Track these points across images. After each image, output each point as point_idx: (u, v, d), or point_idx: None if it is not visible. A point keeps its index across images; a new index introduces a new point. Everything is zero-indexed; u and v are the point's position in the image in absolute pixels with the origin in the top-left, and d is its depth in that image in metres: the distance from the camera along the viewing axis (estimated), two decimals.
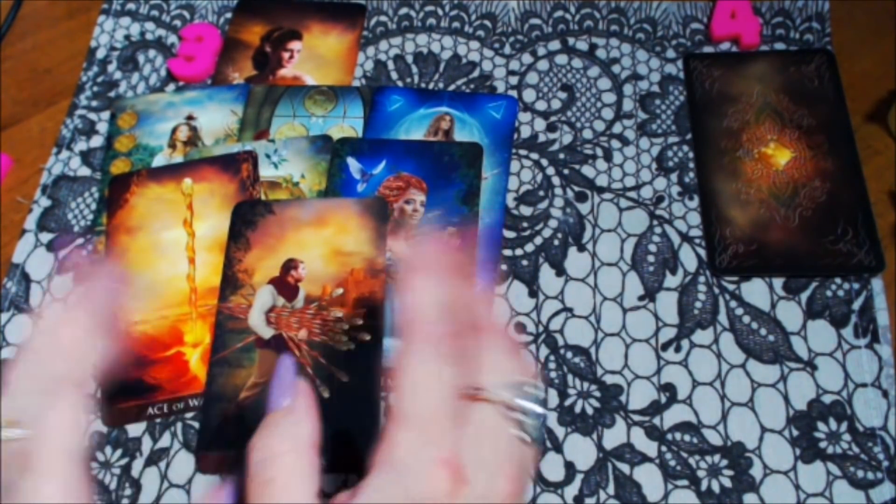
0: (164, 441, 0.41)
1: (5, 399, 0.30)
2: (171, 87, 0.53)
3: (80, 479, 0.29)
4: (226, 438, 0.39)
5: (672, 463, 0.39)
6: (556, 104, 0.50)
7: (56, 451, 0.29)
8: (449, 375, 0.27)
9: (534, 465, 0.31)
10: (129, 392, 0.41)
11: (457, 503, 0.25)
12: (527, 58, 0.52)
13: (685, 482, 0.38)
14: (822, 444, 0.39)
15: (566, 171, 0.48)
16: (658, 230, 0.45)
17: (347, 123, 0.50)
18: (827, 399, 0.40)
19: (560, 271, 0.44)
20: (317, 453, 0.28)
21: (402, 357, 0.28)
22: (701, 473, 0.38)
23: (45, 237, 0.48)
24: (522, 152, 0.48)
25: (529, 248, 0.45)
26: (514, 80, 0.51)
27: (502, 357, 0.29)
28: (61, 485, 0.28)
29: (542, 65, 0.52)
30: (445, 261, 0.29)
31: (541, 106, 0.50)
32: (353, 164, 0.47)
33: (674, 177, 0.47)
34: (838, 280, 0.43)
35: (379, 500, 0.25)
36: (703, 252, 0.44)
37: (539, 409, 0.28)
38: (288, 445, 0.27)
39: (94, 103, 0.53)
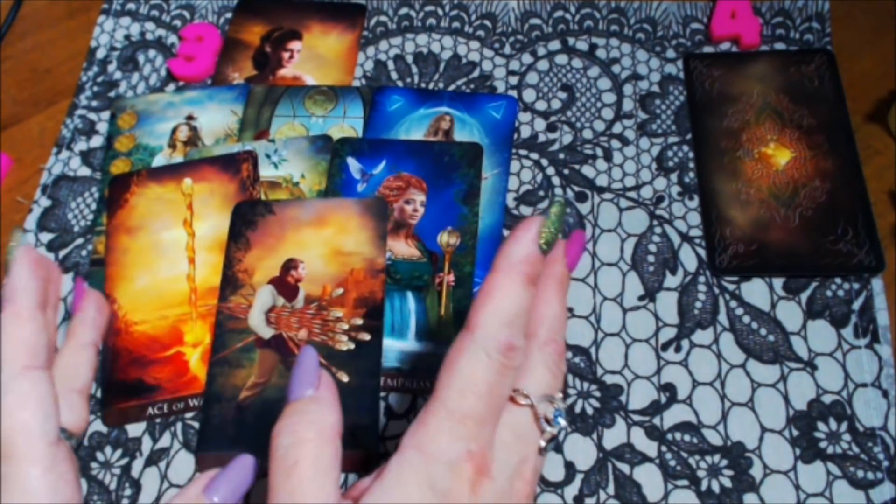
0: (164, 441, 0.41)
1: None
2: (171, 87, 0.53)
3: (60, 458, 0.29)
4: (226, 438, 0.39)
5: (672, 463, 0.39)
6: (556, 104, 0.50)
7: (22, 437, 0.29)
8: (505, 384, 0.28)
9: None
10: (129, 392, 0.41)
11: (475, 496, 0.26)
12: (527, 58, 0.52)
13: (685, 482, 0.38)
14: (822, 444, 0.39)
15: (566, 171, 0.48)
16: (658, 230, 0.45)
17: (347, 123, 0.50)
18: (827, 399, 0.40)
19: None
20: (340, 443, 0.28)
21: (460, 351, 0.27)
22: (701, 473, 0.38)
23: (45, 237, 0.48)
24: (522, 152, 0.48)
25: None
26: (514, 80, 0.51)
27: (549, 368, 0.29)
28: (39, 466, 0.28)
29: (542, 65, 0.52)
30: (535, 268, 0.29)
31: (541, 106, 0.50)
32: (353, 164, 0.47)
33: (674, 177, 0.47)
34: (838, 280, 0.43)
35: (402, 481, 0.26)
36: (703, 252, 0.44)
37: (564, 424, 0.29)
38: (314, 432, 0.27)
39: (94, 103, 0.53)
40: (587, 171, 0.48)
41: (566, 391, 0.41)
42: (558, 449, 0.39)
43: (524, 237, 0.29)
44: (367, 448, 0.39)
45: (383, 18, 0.55)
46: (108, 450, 0.41)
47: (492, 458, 0.27)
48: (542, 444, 0.29)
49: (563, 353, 0.30)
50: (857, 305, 0.42)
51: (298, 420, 0.28)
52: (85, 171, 0.50)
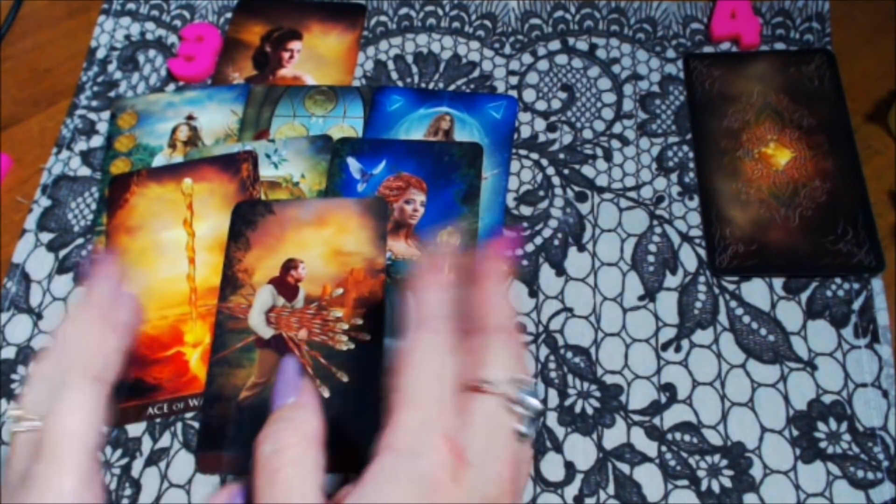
0: (164, 441, 0.41)
1: (26, 391, 0.31)
2: (171, 87, 0.53)
3: (93, 470, 0.29)
4: (226, 438, 0.39)
5: (672, 463, 0.39)
6: (556, 104, 0.50)
7: (66, 441, 0.29)
8: (454, 366, 0.28)
9: (530, 464, 0.31)
10: (129, 392, 0.41)
11: (456, 482, 0.26)
12: (527, 58, 0.52)
13: (685, 482, 0.38)
14: (822, 444, 0.39)
15: (566, 171, 0.48)
16: (658, 230, 0.45)
17: (347, 123, 0.50)
18: (827, 399, 0.40)
19: (560, 271, 0.44)
20: (322, 448, 0.28)
21: (410, 347, 0.28)
22: (701, 473, 0.38)
23: (45, 237, 0.48)
24: (522, 152, 0.48)
25: (529, 248, 0.45)
26: (514, 80, 0.51)
27: (507, 353, 0.30)
28: (74, 476, 0.28)
29: (542, 65, 0.52)
30: (457, 262, 0.30)
31: (541, 106, 0.50)
32: (353, 164, 0.47)
33: (674, 177, 0.47)
34: (838, 280, 0.43)
35: (379, 480, 0.26)
36: (703, 252, 0.44)
37: (538, 405, 0.29)
38: (295, 438, 0.28)
39: (94, 103, 0.53)
40: (587, 171, 0.48)
41: (555, 385, 0.41)
42: (558, 449, 0.39)
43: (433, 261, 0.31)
44: (365, 448, 0.39)
45: (383, 18, 0.55)
46: (108, 450, 0.41)
47: (467, 447, 0.27)
48: (518, 427, 0.29)
49: (516, 337, 0.31)
50: (857, 305, 0.42)
51: (281, 427, 0.28)
52: (85, 171, 0.50)
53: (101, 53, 0.55)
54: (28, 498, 0.27)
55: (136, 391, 0.41)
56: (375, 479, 0.26)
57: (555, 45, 0.53)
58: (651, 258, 0.44)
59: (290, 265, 0.43)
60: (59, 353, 0.32)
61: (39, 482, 0.28)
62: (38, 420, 0.30)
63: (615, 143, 0.48)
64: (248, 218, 0.45)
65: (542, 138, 0.49)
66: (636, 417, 0.40)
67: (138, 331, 0.32)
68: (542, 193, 0.47)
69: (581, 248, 0.45)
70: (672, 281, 0.44)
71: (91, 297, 0.34)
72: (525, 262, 0.45)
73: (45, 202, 0.49)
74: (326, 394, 0.40)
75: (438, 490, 0.26)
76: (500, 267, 0.32)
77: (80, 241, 0.47)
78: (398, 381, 0.28)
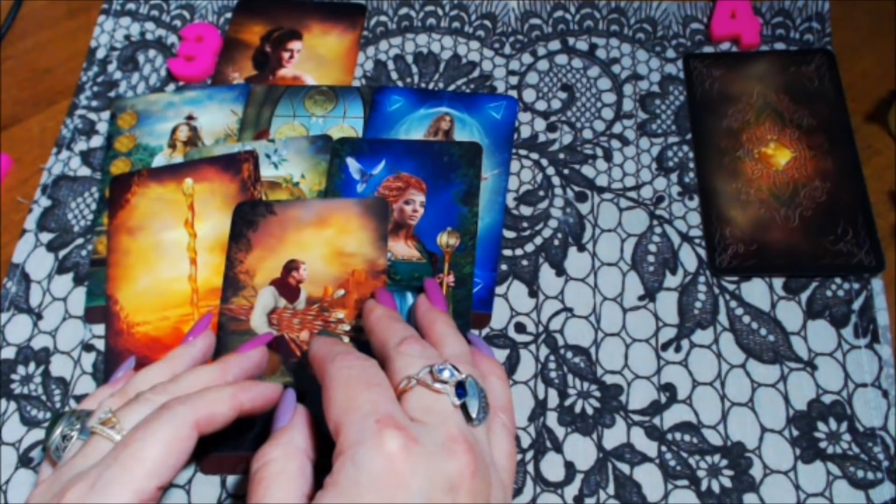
0: None
1: (132, 409, 0.33)
2: (171, 87, 0.53)
3: (152, 498, 0.31)
4: (226, 439, 0.39)
5: (672, 463, 0.39)
6: (556, 104, 0.50)
7: (143, 463, 0.30)
8: (376, 372, 0.32)
9: (508, 455, 0.34)
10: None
11: (408, 455, 0.28)
12: (527, 58, 0.52)
13: (685, 482, 0.38)
14: (822, 444, 0.39)
15: (566, 171, 0.48)
16: (658, 230, 0.45)
17: (347, 123, 0.50)
18: (827, 399, 0.40)
19: (560, 271, 0.44)
20: (308, 460, 0.32)
21: (329, 377, 0.32)
22: (701, 473, 0.39)
23: (45, 237, 0.48)
24: (522, 152, 0.48)
25: (529, 248, 0.45)
26: (514, 80, 0.51)
27: (410, 356, 0.33)
28: (133, 493, 0.30)
29: (542, 65, 0.52)
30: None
31: (541, 106, 0.50)
32: (353, 165, 0.47)
33: (674, 177, 0.47)
34: (838, 280, 0.43)
35: (337, 479, 0.28)
36: (703, 252, 0.44)
37: (456, 373, 0.32)
38: (280, 452, 0.31)
39: (94, 103, 0.53)
40: (587, 171, 0.48)
41: (555, 385, 0.41)
42: (558, 449, 0.39)
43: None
44: None
45: (383, 18, 0.55)
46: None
47: (413, 430, 0.29)
48: (454, 401, 0.31)
49: (414, 342, 0.34)
50: (857, 305, 0.42)
51: (269, 445, 0.32)
52: (85, 171, 0.50)
53: (101, 53, 0.55)
54: (87, 497, 0.29)
55: None
56: (332, 480, 0.29)
57: (555, 45, 0.53)
58: (651, 258, 0.44)
59: (291, 266, 0.43)
60: (178, 389, 0.34)
61: (102, 487, 0.30)
62: (119, 434, 0.32)
63: (615, 143, 0.48)
64: (248, 219, 0.45)
65: (542, 138, 0.49)
66: (636, 417, 0.40)
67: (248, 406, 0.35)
68: (542, 193, 0.47)
69: (581, 248, 0.45)
70: (672, 281, 0.44)
71: (231, 362, 0.38)
72: (525, 262, 0.45)
73: (45, 202, 0.49)
74: None
75: (394, 466, 0.28)
76: (383, 311, 0.38)
77: (80, 241, 0.47)
78: (329, 408, 0.31)
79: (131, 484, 0.30)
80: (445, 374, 0.32)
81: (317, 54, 0.54)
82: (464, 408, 0.31)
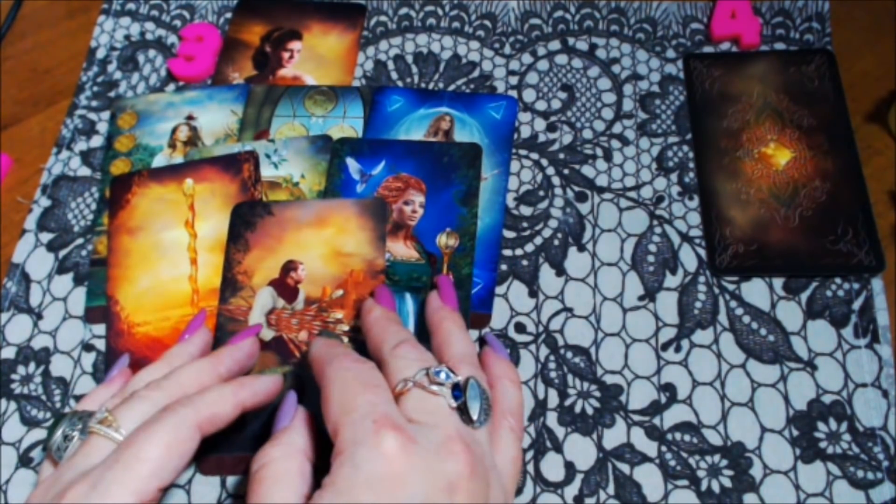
0: None
1: (131, 406, 0.33)
2: (171, 87, 0.53)
3: (152, 499, 0.30)
4: (226, 439, 0.39)
5: (672, 463, 0.39)
6: (556, 104, 0.50)
7: (144, 464, 0.30)
8: (374, 373, 0.32)
9: (513, 459, 0.33)
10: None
11: (406, 454, 0.28)
12: (527, 58, 0.52)
13: (685, 482, 0.38)
14: (822, 444, 0.39)
15: (566, 171, 0.48)
16: (658, 230, 0.45)
17: (347, 123, 0.50)
18: (827, 399, 0.40)
19: (560, 271, 0.44)
20: (308, 460, 0.32)
21: (327, 378, 0.33)
22: (701, 473, 0.39)
23: (45, 237, 0.48)
24: (522, 152, 0.48)
25: (529, 248, 0.45)
26: (514, 80, 0.51)
27: (404, 359, 0.33)
28: (133, 495, 0.30)
29: (542, 65, 0.52)
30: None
31: (541, 106, 0.50)
32: (353, 165, 0.47)
33: (674, 177, 0.47)
34: (838, 280, 0.43)
35: (335, 480, 0.28)
36: (703, 252, 0.44)
37: (453, 376, 0.32)
38: (279, 452, 0.31)
39: (94, 103, 0.53)
40: (587, 171, 0.48)
41: (555, 385, 0.41)
42: (558, 449, 0.39)
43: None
44: None
45: (383, 18, 0.55)
46: None
47: (410, 430, 0.30)
48: (451, 402, 0.31)
49: (410, 347, 0.34)
50: (857, 305, 0.42)
51: (269, 445, 0.32)
52: (85, 171, 0.50)
53: (101, 53, 0.55)
54: (86, 497, 0.29)
55: None
56: (330, 479, 0.29)
57: (555, 45, 0.53)
58: (651, 258, 0.44)
59: (289, 267, 0.43)
60: (171, 384, 0.34)
61: (102, 488, 0.30)
62: (119, 434, 0.32)
63: (615, 143, 0.48)
64: (247, 219, 0.45)
65: (542, 138, 0.49)
66: (636, 417, 0.40)
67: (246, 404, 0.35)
68: (542, 193, 0.47)
69: (581, 248, 0.45)
70: (672, 281, 0.44)
71: (223, 354, 0.38)
72: (525, 262, 0.45)
73: (45, 202, 0.49)
74: None
75: (392, 465, 0.28)
76: (381, 312, 0.37)
77: (80, 241, 0.47)
78: (327, 409, 0.31)
79: (132, 484, 0.30)
80: (441, 376, 0.32)
81: (317, 54, 0.54)
82: (464, 409, 0.31)
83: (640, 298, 0.43)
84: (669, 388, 0.41)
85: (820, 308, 0.42)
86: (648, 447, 0.39)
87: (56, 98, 0.54)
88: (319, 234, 0.44)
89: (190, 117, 0.51)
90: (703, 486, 0.38)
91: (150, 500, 0.30)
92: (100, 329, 0.44)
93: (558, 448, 0.40)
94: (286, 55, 0.54)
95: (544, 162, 0.48)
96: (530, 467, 0.39)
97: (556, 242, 0.45)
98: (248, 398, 0.35)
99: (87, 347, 0.44)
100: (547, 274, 0.44)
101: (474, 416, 0.31)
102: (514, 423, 0.34)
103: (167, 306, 0.44)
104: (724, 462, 0.39)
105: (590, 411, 0.40)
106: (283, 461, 0.31)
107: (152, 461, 0.30)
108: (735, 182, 0.46)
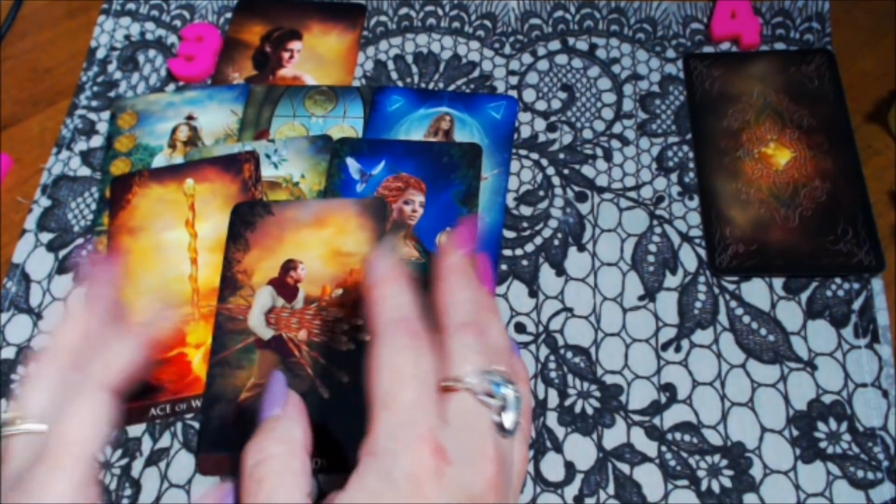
0: (164, 441, 0.41)
1: (27, 391, 0.31)
2: (171, 87, 0.53)
3: (91, 479, 0.29)
4: (226, 439, 0.39)
5: (672, 463, 0.39)
6: (556, 104, 0.50)
7: (69, 448, 0.29)
8: (427, 365, 0.29)
9: (524, 460, 0.32)
10: (131, 393, 0.41)
11: (438, 479, 0.26)
12: (527, 58, 0.52)
13: (685, 482, 0.38)
14: (822, 444, 0.39)
15: (566, 171, 0.48)
16: (658, 230, 0.45)
17: (347, 123, 0.50)
18: (827, 399, 0.40)
19: (560, 271, 0.44)
20: (308, 456, 0.29)
21: (378, 350, 0.29)
22: (701, 473, 0.38)
23: (45, 237, 0.48)
24: (522, 152, 0.48)
25: (529, 248, 0.45)
26: (514, 80, 0.51)
27: (471, 348, 0.30)
28: (71, 482, 0.28)
29: (542, 65, 0.52)
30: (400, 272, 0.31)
31: (541, 106, 0.50)
32: (353, 165, 0.47)
33: (674, 177, 0.47)
34: (838, 280, 0.43)
35: (364, 488, 0.26)
36: (703, 252, 0.44)
37: (511, 393, 0.29)
38: (280, 448, 0.29)
39: (94, 103, 0.53)
40: (587, 171, 0.48)
41: (555, 385, 0.41)
42: (558, 449, 0.39)
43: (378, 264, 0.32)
44: None
45: (383, 18, 0.55)
46: (108, 450, 0.41)
47: (448, 446, 0.27)
48: (496, 419, 0.29)
49: (483, 330, 0.31)
50: (857, 305, 0.42)
51: (265, 438, 0.29)
52: (85, 171, 0.50)
53: (101, 53, 0.55)
54: (24, 498, 0.27)
55: (138, 392, 0.41)
56: (358, 484, 0.27)
57: (555, 45, 0.53)
58: (651, 258, 0.44)
59: (289, 266, 0.43)
60: (62, 354, 0.32)
61: (37, 486, 0.28)
62: (39, 424, 0.30)
63: (615, 143, 0.48)
64: (246, 219, 0.45)
65: (542, 138, 0.49)
66: (636, 417, 0.40)
67: (151, 342, 0.33)
68: (542, 193, 0.47)
69: (581, 248, 0.45)
70: (672, 281, 0.44)
71: (95, 299, 0.34)
72: (525, 262, 0.45)
73: (45, 202, 0.49)
74: (326, 394, 0.40)
75: (421, 489, 0.26)
76: (459, 260, 0.33)
77: (80, 241, 0.47)
78: (371, 386, 0.29)
79: (67, 473, 0.28)
80: (496, 389, 0.29)
81: (317, 54, 0.54)
82: (501, 424, 0.30)
83: (640, 298, 0.43)
84: (669, 388, 0.41)
85: (820, 308, 0.42)
86: (648, 447, 0.39)
87: (56, 98, 0.54)
88: (319, 233, 0.44)
89: (190, 117, 0.51)
90: (703, 486, 0.38)
91: (90, 480, 0.29)
92: None
93: (558, 448, 0.40)
94: (286, 55, 0.54)
95: (544, 162, 0.48)
96: (530, 467, 0.39)
97: (556, 242, 0.45)
98: (143, 333, 0.33)
99: None
100: (547, 274, 0.44)
101: (510, 427, 0.30)
102: (524, 425, 0.33)
103: (167, 306, 0.44)
104: (724, 462, 0.39)
105: (590, 411, 0.40)
106: (286, 458, 0.29)
107: (77, 444, 0.29)
108: (735, 182, 0.46)
